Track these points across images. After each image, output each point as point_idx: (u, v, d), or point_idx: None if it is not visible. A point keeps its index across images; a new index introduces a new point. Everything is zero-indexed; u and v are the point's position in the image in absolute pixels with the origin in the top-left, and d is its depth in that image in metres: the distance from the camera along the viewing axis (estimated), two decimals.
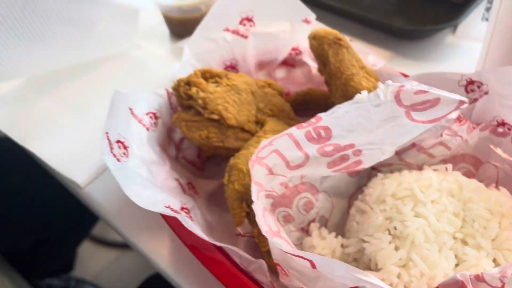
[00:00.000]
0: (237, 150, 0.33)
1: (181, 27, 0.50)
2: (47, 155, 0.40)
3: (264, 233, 0.24)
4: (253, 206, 0.25)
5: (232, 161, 0.30)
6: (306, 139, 0.25)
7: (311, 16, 0.39)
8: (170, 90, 0.36)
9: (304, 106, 0.39)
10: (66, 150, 0.40)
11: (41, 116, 0.43)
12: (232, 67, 0.39)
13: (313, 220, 0.29)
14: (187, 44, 0.37)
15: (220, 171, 0.38)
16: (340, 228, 0.30)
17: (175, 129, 0.36)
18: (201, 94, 0.32)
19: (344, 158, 0.26)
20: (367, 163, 0.27)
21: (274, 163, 0.26)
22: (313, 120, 0.24)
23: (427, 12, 0.50)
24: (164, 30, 0.52)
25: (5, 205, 0.59)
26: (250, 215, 0.30)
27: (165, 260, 0.32)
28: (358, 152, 0.26)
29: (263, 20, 0.38)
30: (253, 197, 0.25)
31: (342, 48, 0.32)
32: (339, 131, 0.25)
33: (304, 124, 0.25)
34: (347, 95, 0.31)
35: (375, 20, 0.49)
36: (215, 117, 0.32)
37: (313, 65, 0.39)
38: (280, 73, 0.41)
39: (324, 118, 0.24)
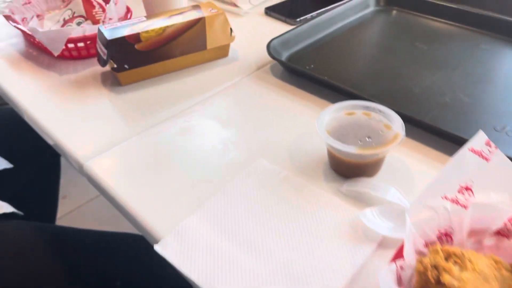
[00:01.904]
0: None
1: (349, 169, 0.50)
2: None
3: None
4: None
5: None
6: None
7: None
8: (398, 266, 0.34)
9: None
10: None
11: (224, 258, 0.42)
12: (447, 235, 0.37)
13: None
14: (407, 212, 0.36)
15: None
16: None
17: None
18: (455, 282, 0.30)
19: None
20: None
21: None
22: None
23: None
24: (326, 167, 0.52)
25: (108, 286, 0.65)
26: None
27: None
28: None
29: (482, 190, 0.38)
30: None
31: None
32: None
33: None
34: None
35: None
36: None
37: None
38: (490, 241, 0.39)
39: None
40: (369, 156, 0.47)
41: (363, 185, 0.48)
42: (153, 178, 0.52)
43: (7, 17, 0.80)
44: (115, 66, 0.65)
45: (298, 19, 0.85)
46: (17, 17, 0.79)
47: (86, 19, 0.80)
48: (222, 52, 0.75)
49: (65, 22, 0.82)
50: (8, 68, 0.75)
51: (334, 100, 0.64)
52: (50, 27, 0.82)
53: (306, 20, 0.87)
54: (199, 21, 0.69)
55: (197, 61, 0.73)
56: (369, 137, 0.50)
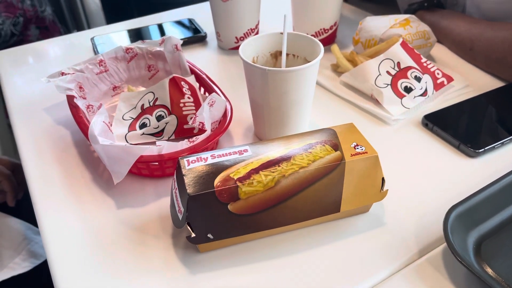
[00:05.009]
0: None
1: None
2: None
3: None
4: None
5: None
6: None
7: None
8: None
9: None
10: None
11: None
12: None
13: None
14: None
15: None
16: None
17: None
18: None
19: None
20: None
21: None
22: None
23: None
24: None
25: None
26: None
27: None
28: None
29: None
30: None
31: None
32: None
33: None
34: None
35: None
36: None
37: None
38: None
39: None
40: None
41: None
42: None
43: (69, 99, 0.59)
44: (194, 235, 0.41)
45: (481, 149, 0.54)
46: (80, 103, 0.58)
47: (169, 113, 0.58)
48: (361, 208, 0.47)
49: (143, 112, 0.60)
50: (69, 183, 0.55)
51: None
52: (123, 113, 0.61)
53: (493, 149, 0.56)
54: (335, 169, 0.42)
55: (318, 222, 0.47)
56: None
